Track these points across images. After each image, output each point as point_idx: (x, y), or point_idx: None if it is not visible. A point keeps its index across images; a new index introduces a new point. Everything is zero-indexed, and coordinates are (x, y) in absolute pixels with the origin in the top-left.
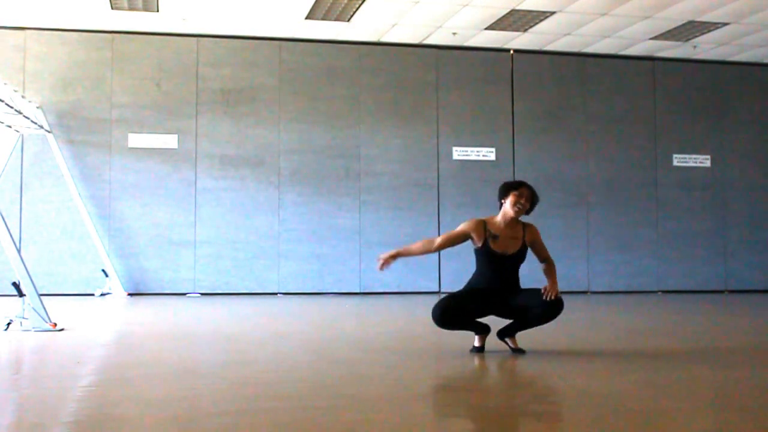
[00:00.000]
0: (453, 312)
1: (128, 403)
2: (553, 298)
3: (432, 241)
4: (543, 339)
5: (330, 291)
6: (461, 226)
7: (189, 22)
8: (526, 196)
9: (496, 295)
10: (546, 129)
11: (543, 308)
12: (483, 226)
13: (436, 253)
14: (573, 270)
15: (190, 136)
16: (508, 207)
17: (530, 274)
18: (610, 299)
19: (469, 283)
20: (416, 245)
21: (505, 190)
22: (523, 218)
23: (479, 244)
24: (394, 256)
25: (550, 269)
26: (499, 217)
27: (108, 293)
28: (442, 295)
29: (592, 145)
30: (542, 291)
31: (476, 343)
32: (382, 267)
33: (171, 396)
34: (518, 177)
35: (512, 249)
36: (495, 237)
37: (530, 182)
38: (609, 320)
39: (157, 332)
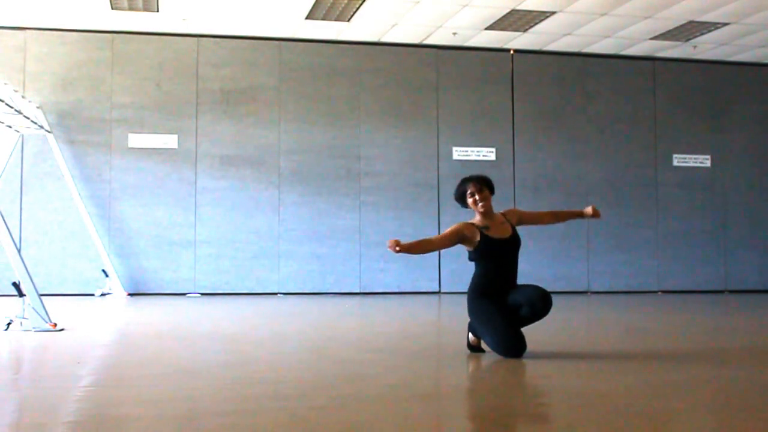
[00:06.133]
0: (514, 334)
1: (128, 403)
2: (598, 213)
3: (430, 241)
4: (543, 339)
5: (330, 291)
6: (451, 228)
7: (189, 22)
8: (477, 188)
9: (503, 293)
10: (546, 129)
11: (530, 307)
12: (472, 225)
13: (437, 254)
14: (573, 270)
15: (190, 136)
16: (474, 209)
17: (531, 273)
18: (610, 299)
19: (476, 290)
20: (415, 246)
21: (461, 200)
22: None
23: (477, 239)
24: (400, 249)
25: (558, 212)
26: (477, 217)
27: (108, 293)
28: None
29: (592, 145)
30: (587, 213)
31: (474, 342)
32: (391, 247)
33: (171, 396)
34: (518, 177)
35: (506, 234)
36: (486, 227)
37: (530, 182)
38: (609, 320)
39: (157, 332)
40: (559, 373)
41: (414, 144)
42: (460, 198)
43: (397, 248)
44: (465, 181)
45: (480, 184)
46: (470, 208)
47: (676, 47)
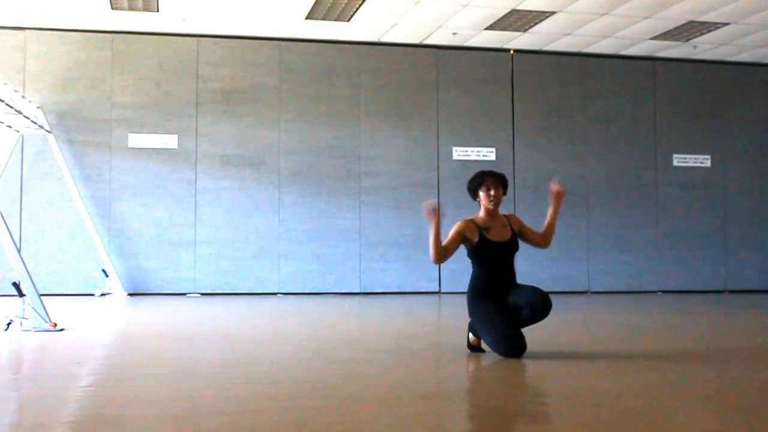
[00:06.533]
0: (514, 334)
1: (128, 403)
2: (557, 188)
3: (439, 246)
4: (543, 339)
5: (330, 291)
6: (453, 229)
7: (189, 22)
8: (494, 185)
9: (502, 293)
10: (546, 129)
11: (530, 309)
12: (473, 223)
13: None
14: (573, 270)
15: (190, 136)
16: (485, 203)
17: (531, 274)
18: (610, 299)
19: (475, 290)
20: (437, 239)
21: (473, 191)
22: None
23: (475, 239)
24: (437, 216)
25: (544, 231)
26: (481, 213)
27: (108, 293)
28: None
29: (592, 145)
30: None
31: (474, 342)
32: (430, 212)
33: (171, 396)
34: (518, 177)
35: (505, 237)
36: (487, 228)
37: (530, 182)
38: (609, 320)
39: (157, 332)
40: (559, 373)
41: (414, 144)
42: (474, 188)
43: (435, 211)
44: (484, 174)
45: (498, 181)
46: (479, 201)
47: (676, 47)
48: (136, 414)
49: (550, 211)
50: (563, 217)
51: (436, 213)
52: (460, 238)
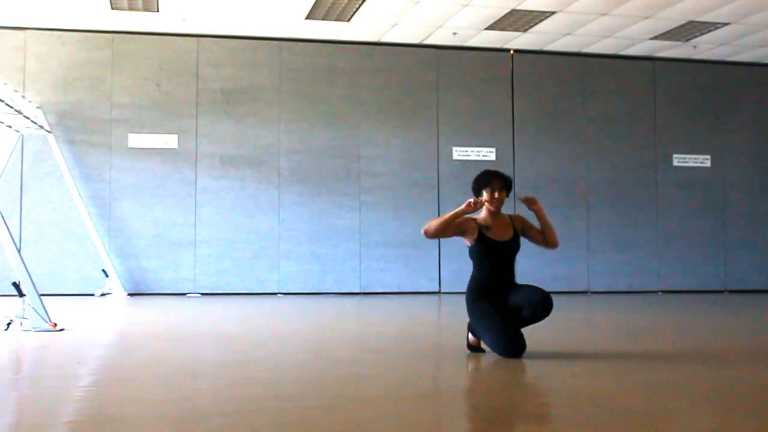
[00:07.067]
0: (514, 334)
1: (128, 403)
2: (530, 202)
3: (442, 228)
4: (543, 339)
5: (330, 291)
6: None
7: (189, 22)
8: (498, 187)
9: (502, 293)
10: (546, 129)
11: (531, 309)
12: (474, 221)
13: (437, 254)
14: (573, 270)
15: (190, 136)
16: (488, 204)
17: (531, 274)
18: (610, 299)
19: (474, 290)
20: (449, 220)
21: (477, 190)
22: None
23: (474, 236)
24: (471, 210)
25: (542, 229)
26: (483, 213)
27: (108, 293)
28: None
29: (592, 145)
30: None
31: (474, 342)
32: (471, 203)
33: (171, 396)
34: (518, 177)
35: (507, 236)
36: (487, 227)
37: (530, 182)
38: (609, 320)
39: (157, 332)
40: (559, 373)
41: (414, 144)
42: (479, 188)
43: (474, 206)
44: (491, 174)
45: (503, 185)
46: (481, 198)
47: (676, 47)
48: (136, 414)
49: (539, 220)
50: (563, 217)
51: (473, 208)
52: (458, 228)
